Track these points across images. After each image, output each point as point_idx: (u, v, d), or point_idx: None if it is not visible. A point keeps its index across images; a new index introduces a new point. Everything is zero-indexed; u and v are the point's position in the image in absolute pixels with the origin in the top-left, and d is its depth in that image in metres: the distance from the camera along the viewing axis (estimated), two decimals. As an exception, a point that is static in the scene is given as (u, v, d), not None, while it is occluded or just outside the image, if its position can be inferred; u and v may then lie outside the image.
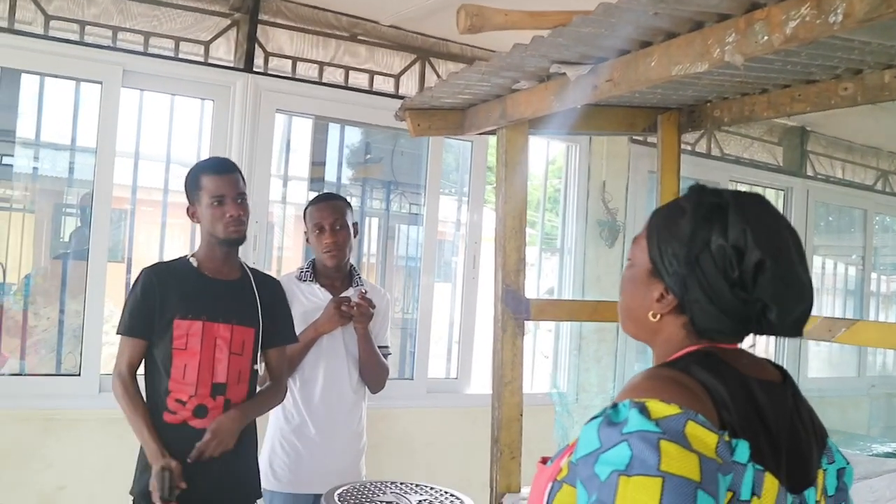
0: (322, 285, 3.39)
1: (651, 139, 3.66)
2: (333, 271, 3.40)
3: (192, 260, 2.94)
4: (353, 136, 4.91)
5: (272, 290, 3.07)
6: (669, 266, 1.36)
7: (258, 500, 3.08)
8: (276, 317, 3.04)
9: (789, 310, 1.33)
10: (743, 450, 1.21)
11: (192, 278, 2.90)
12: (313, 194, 3.67)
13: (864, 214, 7.20)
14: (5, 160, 3.89)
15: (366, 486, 2.83)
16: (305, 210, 3.43)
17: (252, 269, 3.08)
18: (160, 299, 2.84)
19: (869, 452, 4.89)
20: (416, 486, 2.89)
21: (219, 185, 2.88)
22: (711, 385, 1.25)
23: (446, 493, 2.84)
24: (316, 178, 4.72)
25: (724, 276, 1.31)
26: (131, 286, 2.93)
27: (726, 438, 1.19)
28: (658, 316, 1.40)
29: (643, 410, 1.17)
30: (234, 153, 4.05)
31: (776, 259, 1.31)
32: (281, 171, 4.53)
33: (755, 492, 1.22)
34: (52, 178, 4.07)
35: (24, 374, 3.90)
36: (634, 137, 5.17)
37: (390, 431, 4.44)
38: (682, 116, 3.17)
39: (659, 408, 1.17)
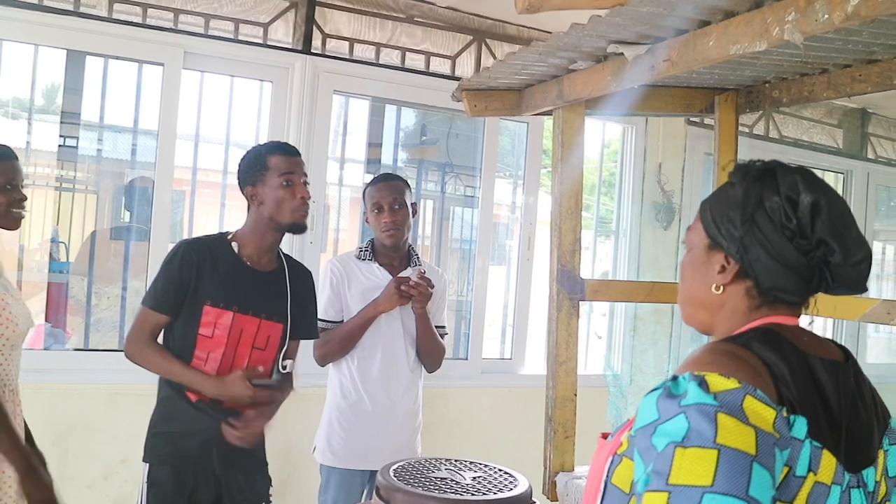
0: (381, 265, 3.42)
1: (708, 120, 3.63)
2: (392, 251, 3.43)
3: (234, 244, 2.90)
4: (409, 117, 4.94)
5: (304, 282, 3.06)
6: (727, 233, 1.38)
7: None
8: (303, 311, 3.03)
9: (851, 250, 1.33)
10: (801, 426, 1.22)
11: (230, 264, 2.87)
12: (369, 176, 3.71)
13: (926, 199, 7.04)
14: (69, 142, 3.98)
15: (421, 463, 2.86)
16: (365, 190, 3.47)
17: (287, 258, 3.05)
18: (196, 280, 2.81)
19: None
20: (471, 463, 2.92)
21: (289, 165, 2.85)
22: (771, 361, 1.26)
23: (500, 470, 2.86)
24: (372, 160, 4.77)
25: (781, 231, 1.33)
26: (168, 258, 2.86)
27: (784, 414, 1.20)
28: (721, 288, 1.41)
29: (702, 384, 1.18)
30: (293, 134, 4.10)
31: (829, 200, 1.34)
32: (338, 153, 4.57)
33: (811, 468, 1.22)
34: (114, 160, 4.16)
35: (89, 350, 4.02)
36: (691, 119, 5.12)
37: (445, 410, 4.48)
38: (739, 97, 3.14)
39: (718, 381, 1.18)
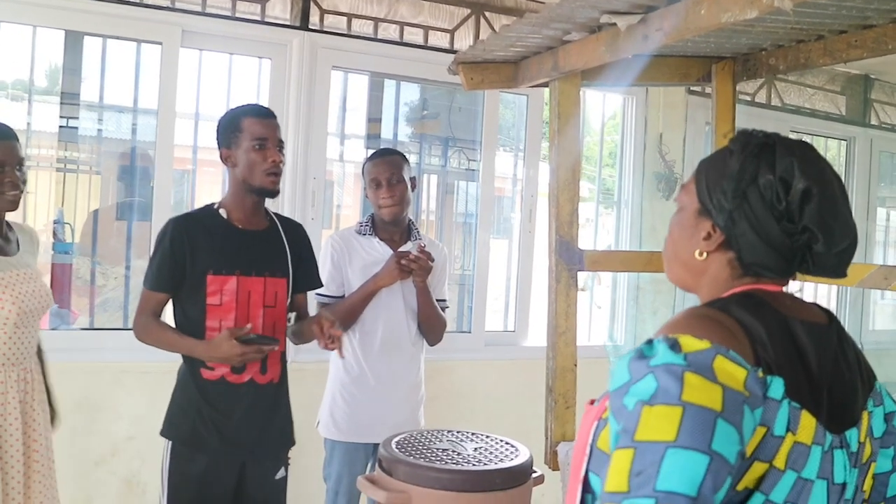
0: (381, 239, 3.44)
1: (708, 89, 3.62)
2: (392, 225, 3.45)
3: (221, 211, 2.93)
4: (410, 92, 4.93)
5: (299, 236, 3.11)
6: (717, 203, 1.39)
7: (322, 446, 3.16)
8: (304, 262, 3.08)
9: (835, 241, 1.35)
10: (777, 386, 1.23)
11: (222, 230, 2.90)
12: (370, 151, 3.71)
13: (930, 164, 7.02)
14: (71, 123, 3.99)
15: (423, 435, 2.89)
16: (363, 166, 3.48)
17: (278, 216, 3.09)
18: (191, 253, 2.84)
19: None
20: (473, 434, 2.95)
21: (262, 128, 2.86)
22: (748, 323, 1.29)
23: (502, 441, 2.89)
24: (372, 135, 4.76)
25: (770, 210, 1.34)
26: (158, 238, 2.92)
27: (760, 374, 1.22)
28: (704, 254, 1.43)
29: (674, 345, 1.21)
30: (292, 111, 4.12)
31: (822, 189, 1.34)
32: (338, 129, 4.57)
33: (790, 428, 1.24)
34: (115, 140, 4.17)
35: (95, 329, 4.05)
36: (692, 88, 5.11)
37: (449, 383, 4.51)
38: (736, 65, 3.14)
39: (690, 342, 1.21)
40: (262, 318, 2.91)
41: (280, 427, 3.04)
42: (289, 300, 3.02)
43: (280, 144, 2.92)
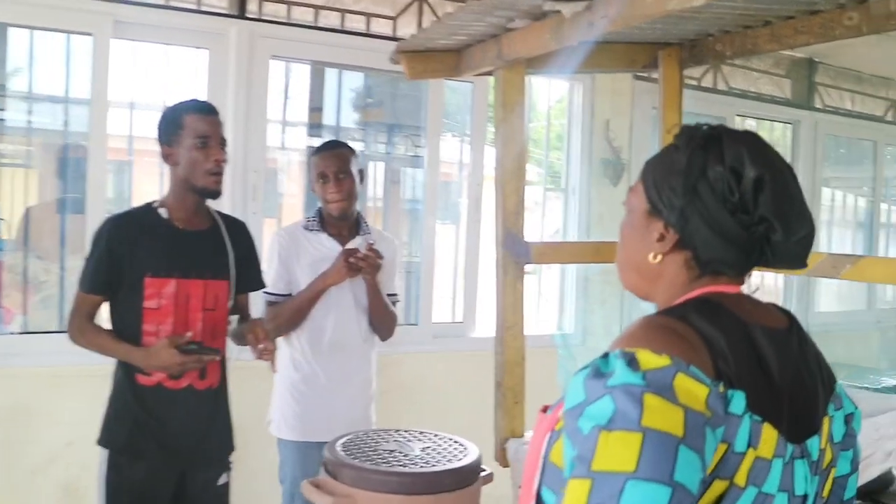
0: (330, 234, 3.34)
1: (655, 75, 3.59)
2: (340, 220, 3.35)
3: (161, 210, 2.81)
4: (353, 80, 4.82)
5: (242, 235, 3.01)
6: (667, 201, 1.33)
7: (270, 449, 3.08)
8: (246, 263, 2.99)
9: (793, 228, 1.29)
10: (739, 401, 1.17)
11: (162, 231, 2.79)
12: (314, 140, 3.62)
13: (873, 146, 7.10)
14: (-1, 115, 3.83)
15: (369, 435, 2.82)
16: (310, 158, 3.38)
17: (220, 214, 2.98)
18: (129, 255, 2.73)
19: (877, 386, 4.87)
20: (421, 433, 2.88)
21: (204, 125, 2.75)
22: (709, 333, 1.22)
23: (450, 439, 2.83)
24: (314, 124, 4.65)
25: (723, 203, 1.28)
26: (95, 238, 2.79)
27: (721, 389, 1.15)
28: (659, 257, 1.36)
29: (632, 362, 1.13)
30: (231, 103, 3.99)
31: (774, 176, 1.29)
32: (280, 117, 4.45)
33: (751, 443, 1.18)
34: (47, 132, 4.01)
35: (30, 332, 3.91)
36: (638, 74, 5.07)
37: (398, 378, 4.43)
38: (683, 52, 3.09)
39: (648, 359, 1.13)
40: (202, 322, 2.81)
41: (220, 433, 2.95)
42: (231, 302, 2.92)
43: (223, 142, 2.80)
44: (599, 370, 1.16)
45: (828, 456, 1.34)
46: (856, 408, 1.44)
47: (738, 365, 1.20)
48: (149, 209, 2.84)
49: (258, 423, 3.41)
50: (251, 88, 4.05)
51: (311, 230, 3.35)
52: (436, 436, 2.86)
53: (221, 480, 2.95)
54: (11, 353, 3.70)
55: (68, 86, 3.90)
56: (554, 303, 5.28)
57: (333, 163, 3.28)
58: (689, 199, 1.30)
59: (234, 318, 3.01)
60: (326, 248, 3.31)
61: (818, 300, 6.69)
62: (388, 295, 3.43)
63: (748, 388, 1.19)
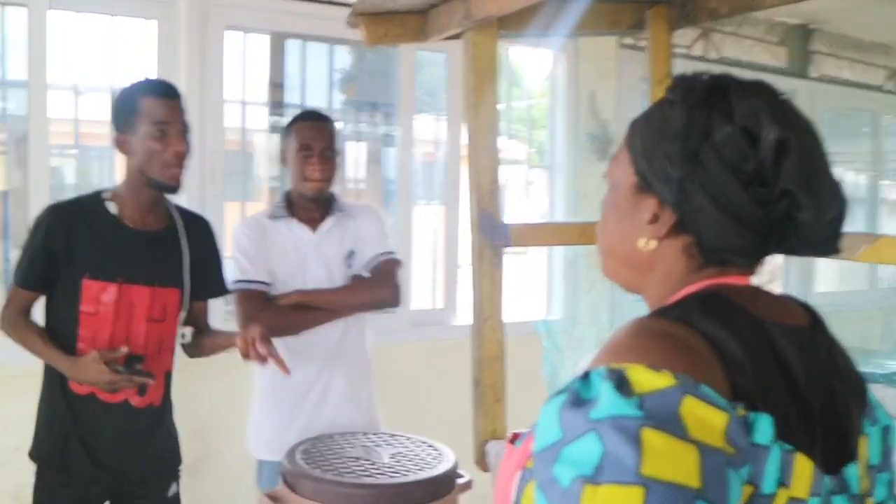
0: (300, 220, 2.99)
1: (642, 43, 3.31)
2: (312, 202, 2.99)
3: (109, 205, 2.51)
4: (321, 53, 4.51)
5: (202, 236, 2.70)
6: (661, 171, 1.04)
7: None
8: (204, 269, 2.68)
9: (824, 205, 1.01)
10: (765, 427, 0.89)
11: (108, 229, 2.49)
12: (276, 119, 3.28)
13: (873, 117, 6.81)
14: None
15: (334, 440, 2.56)
16: (290, 126, 3.01)
17: (180, 210, 2.67)
18: (67, 251, 2.44)
19: (884, 371, 4.61)
20: (392, 436, 2.62)
21: (163, 110, 2.44)
22: (719, 338, 0.93)
23: (423, 443, 2.56)
24: (275, 102, 4.34)
25: (734, 173, 0.99)
26: (33, 227, 2.51)
27: (740, 412, 0.87)
28: (652, 243, 1.08)
29: (622, 383, 0.84)
30: (183, 77, 3.66)
31: (800, 138, 1.00)
32: (237, 96, 4.13)
33: (783, 480, 0.89)
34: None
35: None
36: (624, 42, 4.78)
37: (376, 368, 4.16)
38: (672, 10, 2.78)
39: (644, 378, 0.85)
40: (146, 333, 2.52)
41: (163, 451, 2.70)
42: (183, 313, 2.62)
43: (185, 130, 2.50)
44: (579, 396, 0.87)
45: (865, 484, 1.05)
46: (891, 419, 1.15)
47: (759, 378, 0.92)
48: (96, 201, 2.54)
49: (219, 429, 3.14)
50: (205, 63, 3.73)
51: (278, 218, 2.98)
52: (408, 439, 2.59)
53: (171, 491, 2.69)
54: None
55: (4, 65, 3.59)
56: (541, 287, 4.99)
57: (321, 136, 2.92)
58: (690, 170, 1.01)
59: (188, 331, 2.70)
60: (296, 236, 2.97)
61: (817, 279, 6.41)
62: (380, 254, 3.05)
63: (775, 409, 0.91)
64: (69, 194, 3.16)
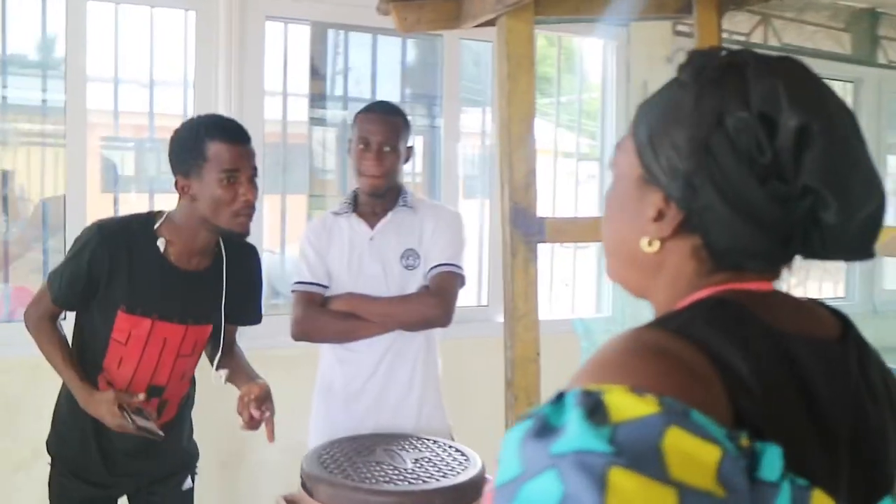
0: (360, 215, 2.84)
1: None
2: (374, 197, 2.82)
3: (159, 243, 2.38)
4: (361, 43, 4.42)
5: (245, 268, 2.60)
6: (667, 163, 0.92)
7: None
8: (243, 300, 2.58)
9: (854, 203, 0.87)
10: (772, 460, 0.74)
11: (152, 265, 2.37)
12: (318, 112, 3.16)
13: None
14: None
15: (358, 442, 2.47)
16: (356, 116, 2.86)
17: (227, 245, 2.52)
18: (108, 279, 2.34)
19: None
20: (418, 440, 2.52)
21: (234, 157, 2.29)
22: (724, 353, 0.81)
23: (450, 447, 2.46)
24: (317, 95, 4.25)
25: (749, 165, 0.87)
26: (79, 245, 2.39)
27: (743, 443, 0.73)
28: (656, 243, 0.96)
29: (595, 410, 0.72)
30: (222, 70, 3.61)
31: (826, 125, 0.86)
32: (278, 87, 4.06)
33: None
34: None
35: (11, 321, 3.63)
36: (678, 28, 4.60)
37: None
38: (722, -9, 2.65)
39: (624, 403, 0.72)
40: (172, 367, 2.45)
41: (181, 453, 2.65)
42: (208, 344, 2.57)
43: (254, 175, 2.36)
44: (547, 423, 0.74)
45: None
46: None
47: (770, 401, 0.79)
48: (147, 231, 2.40)
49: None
50: (245, 54, 3.66)
51: (341, 214, 2.85)
52: (435, 443, 2.49)
53: (186, 485, 2.64)
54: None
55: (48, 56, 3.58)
56: (587, 282, 4.84)
57: (381, 130, 2.74)
58: (699, 161, 0.89)
59: (224, 372, 2.58)
60: (354, 232, 2.82)
61: (885, 275, 6.08)
62: (440, 265, 2.84)
63: (787, 437, 0.77)
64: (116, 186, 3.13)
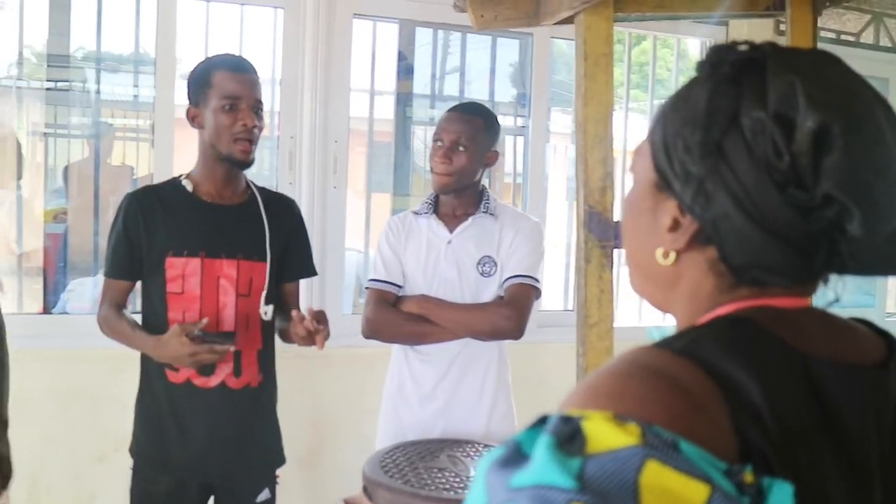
0: (440, 216, 2.80)
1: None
2: (453, 197, 2.77)
3: (185, 182, 2.48)
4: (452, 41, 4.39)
5: (286, 213, 2.62)
6: (680, 167, 0.83)
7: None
8: (290, 246, 2.59)
9: (880, 213, 0.77)
10: (781, 499, 0.66)
11: (185, 205, 2.45)
12: (405, 110, 3.13)
13: None
14: (60, 84, 3.60)
15: (424, 446, 2.42)
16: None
17: (261, 190, 2.60)
18: (147, 233, 2.41)
19: None
20: (485, 447, 2.45)
21: (234, 85, 2.40)
22: (733, 378, 0.72)
23: (517, 456, 2.39)
24: (403, 94, 4.22)
25: (767, 171, 0.78)
26: (114, 217, 2.51)
27: (747, 478, 0.65)
28: (672, 255, 0.87)
29: (571, 438, 0.65)
30: (308, 66, 3.62)
31: (850, 126, 0.76)
32: (365, 85, 4.05)
33: None
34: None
35: (87, 313, 3.69)
36: (781, 28, 4.41)
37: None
38: (818, -13, 2.51)
39: (602, 432, 0.65)
40: (236, 309, 2.45)
41: (261, 442, 2.60)
42: (265, 291, 2.51)
43: (257, 106, 2.44)
44: (518, 451, 0.68)
45: None
46: None
47: (785, 431, 0.70)
48: (173, 182, 2.54)
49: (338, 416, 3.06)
50: (331, 51, 3.66)
51: (421, 214, 2.82)
52: (500, 451, 2.42)
53: (262, 497, 2.59)
54: (72, 334, 3.49)
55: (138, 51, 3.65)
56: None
57: (456, 129, 2.69)
58: (712, 165, 0.81)
59: (269, 309, 2.54)
60: (433, 234, 2.78)
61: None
62: (517, 276, 2.77)
63: (804, 474, 0.69)
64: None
